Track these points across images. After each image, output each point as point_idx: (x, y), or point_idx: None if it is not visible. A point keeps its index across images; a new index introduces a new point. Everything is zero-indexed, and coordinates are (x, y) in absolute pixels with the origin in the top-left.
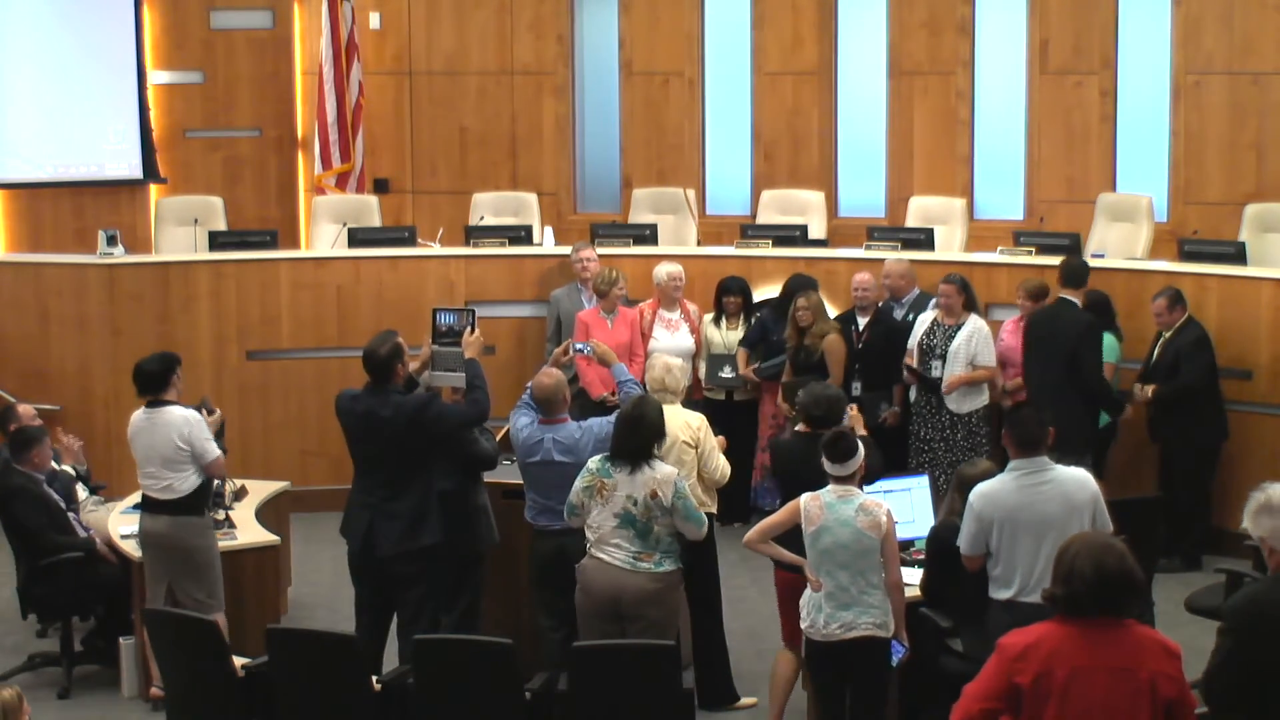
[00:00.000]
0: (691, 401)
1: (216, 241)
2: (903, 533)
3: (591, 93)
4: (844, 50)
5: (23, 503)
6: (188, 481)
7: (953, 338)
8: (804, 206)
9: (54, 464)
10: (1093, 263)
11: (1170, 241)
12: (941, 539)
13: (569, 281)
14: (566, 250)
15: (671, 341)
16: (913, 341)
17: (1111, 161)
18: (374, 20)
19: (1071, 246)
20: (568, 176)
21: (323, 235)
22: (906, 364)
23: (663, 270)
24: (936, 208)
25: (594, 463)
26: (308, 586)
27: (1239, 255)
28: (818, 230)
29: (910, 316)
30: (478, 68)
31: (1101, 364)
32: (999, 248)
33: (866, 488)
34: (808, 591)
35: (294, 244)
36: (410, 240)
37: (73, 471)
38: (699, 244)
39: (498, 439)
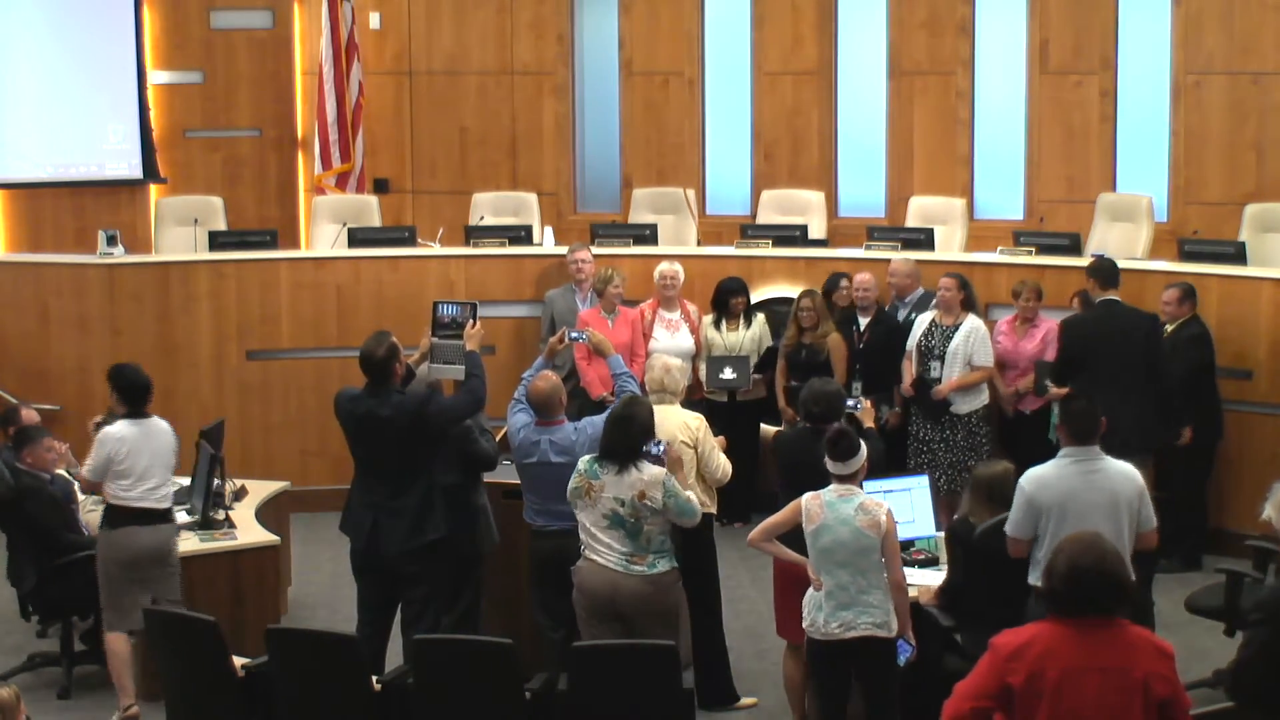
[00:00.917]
0: (692, 402)
1: (216, 241)
2: (903, 533)
3: (591, 93)
4: (844, 50)
5: (37, 502)
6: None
7: (951, 338)
8: (804, 206)
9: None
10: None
11: (1170, 241)
12: (961, 535)
13: (565, 282)
14: (566, 250)
15: (672, 342)
16: (911, 343)
17: (1111, 161)
18: (374, 20)
19: (1071, 246)
20: (568, 176)
21: (323, 235)
22: (904, 388)
23: (657, 269)
24: (936, 208)
25: (583, 463)
26: (308, 586)
27: (1239, 255)
28: (818, 230)
29: (913, 316)
30: (478, 68)
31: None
32: (999, 248)
33: (866, 481)
34: (810, 591)
35: (294, 244)
36: (410, 240)
37: (68, 473)
38: (699, 244)
39: (497, 439)
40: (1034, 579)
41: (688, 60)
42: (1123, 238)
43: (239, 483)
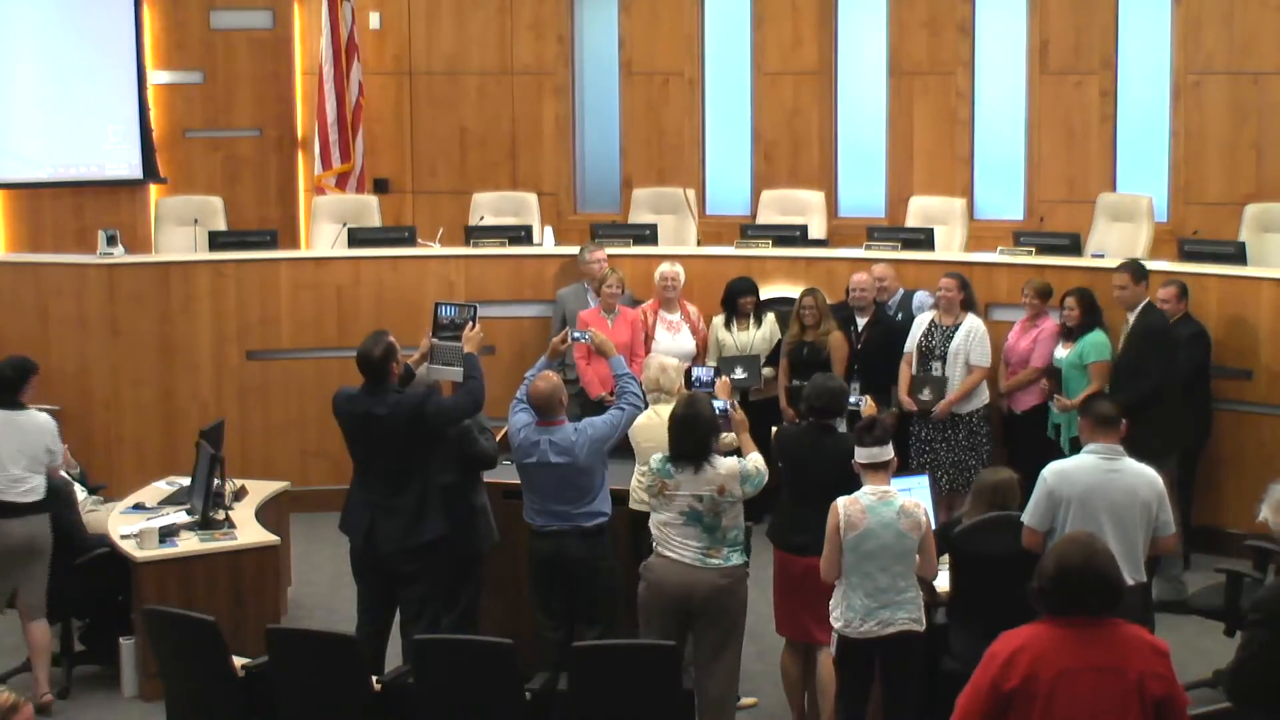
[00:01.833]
0: None
1: (216, 241)
2: None
3: (591, 93)
4: (844, 50)
5: (59, 502)
6: (44, 483)
7: (951, 337)
8: (804, 206)
9: None
10: (1092, 263)
11: (1170, 241)
12: (942, 534)
13: (574, 281)
14: (566, 250)
15: (673, 343)
16: (910, 344)
17: (1111, 161)
18: (374, 20)
19: (1071, 246)
20: (568, 176)
21: (323, 235)
22: (905, 403)
23: (657, 270)
24: (936, 208)
25: (655, 461)
26: (308, 586)
27: (1239, 255)
28: (818, 230)
29: (899, 315)
30: (478, 68)
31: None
32: (999, 248)
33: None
34: (839, 591)
35: (294, 244)
36: (410, 240)
37: (67, 474)
38: (699, 244)
39: (498, 439)
40: None
41: (688, 60)
42: (1123, 238)
43: (239, 483)
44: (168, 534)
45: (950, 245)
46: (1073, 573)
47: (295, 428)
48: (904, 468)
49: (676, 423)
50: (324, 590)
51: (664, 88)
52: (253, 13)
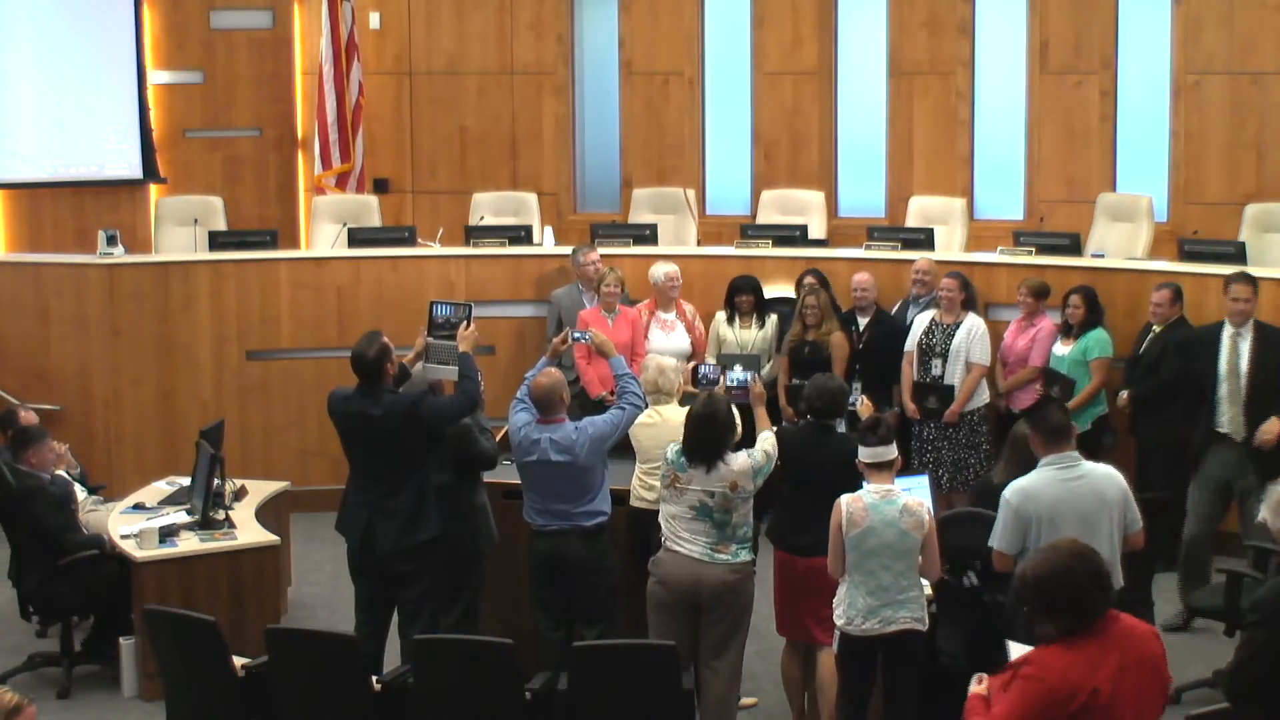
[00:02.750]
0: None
1: (216, 241)
2: None
3: (591, 93)
4: (844, 50)
5: (40, 503)
6: None
7: (952, 336)
8: (804, 206)
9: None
10: (1093, 263)
11: (1170, 241)
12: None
13: (570, 282)
14: (567, 250)
15: (667, 342)
16: (911, 343)
17: (1111, 161)
18: (374, 20)
19: (1071, 246)
20: (568, 176)
21: (323, 235)
22: (909, 411)
23: (659, 270)
24: (936, 208)
25: (671, 452)
26: (308, 586)
27: (1239, 255)
28: (818, 230)
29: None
30: (478, 68)
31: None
32: (999, 248)
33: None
34: (842, 588)
35: (294, 244)
36: (410, 240)
37: (67, 474)
38: (699, 244)
39: (498, 439)
40: None
41: (688, 60)
42: (1123, 238)
43: (239, 483)
44: (168, 534)
45: (950, 245)
46: (1052, 578)
47: (295, 428)
48: (905, 467)
49: (693, 421)
50: (324, 590)
51: (664, 88)
52: (253, 13)
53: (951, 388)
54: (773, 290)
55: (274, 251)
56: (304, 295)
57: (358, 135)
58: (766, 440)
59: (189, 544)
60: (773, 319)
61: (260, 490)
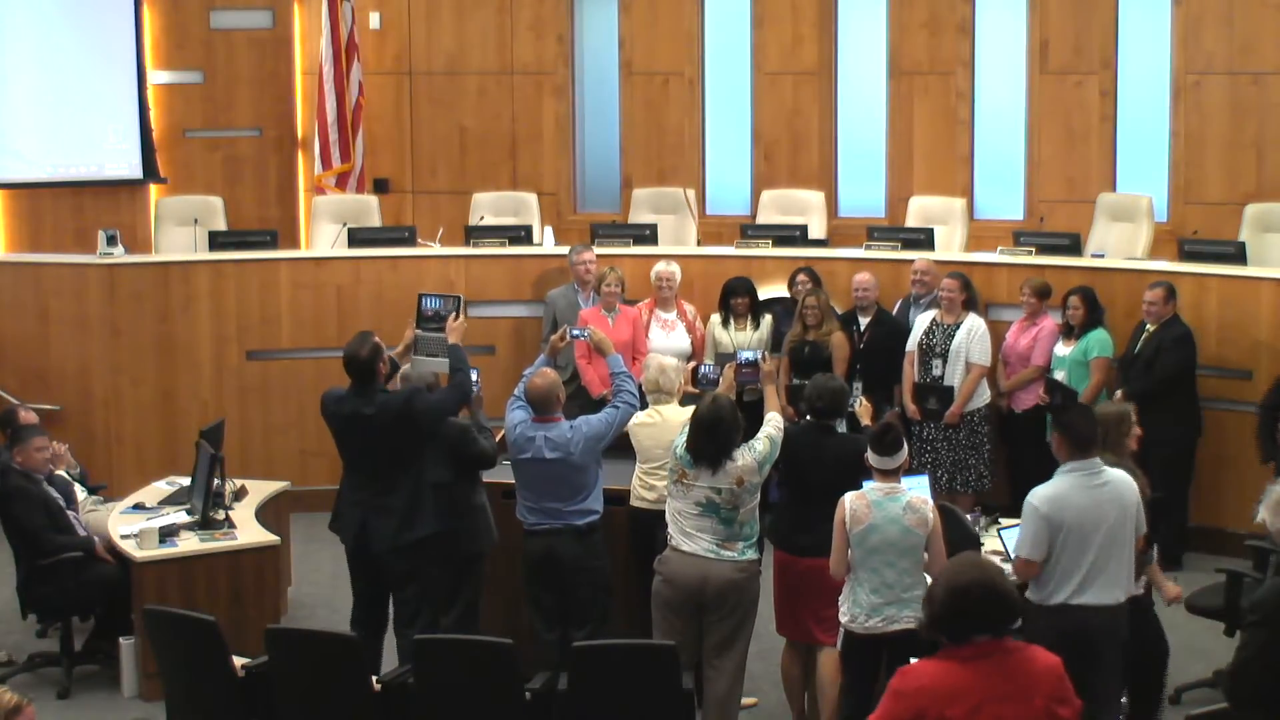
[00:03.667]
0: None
1: (216, 241)
2: None
3: (591, 93)
4: (844, 50)
5: (21, 503)
6: None
7: (953, 336)
8: (804, 206)
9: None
10: (1093, 263)
11: (1170, 241)
12: None
13: (566, 282)
14: (566, 250)
15: (667, 342)
16: (912, 343)
17: (1111, 161)
18: (374, 20)
19: (1071, 246)
20: (568, 176)
21: (323, 235)
22: (910, 412)
23: (654, 270)
24: (936, 208)
25: (679, 448)
26: (308, 586)
27: (1239, 255)
28: (818, 230)
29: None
30: (478, 68)
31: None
32: (999, 248)
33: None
34: (847, 586)
35: (294, 244)
36: (410, 240)
37: (67, 474)
38: (699, 244)
39: (497, 439)
40: (1043, 598)
41: (688, 60)
42: (1123, 238)
43: (239, 483)
44: (168, 534)
45: (950, 245)
46: (967, 592)
47: (295, 428)
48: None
49: (697, 423)
50: (324, 590)
51: (664, 88)
52: (253, 13)
53: (951, 389)
54: (773, 290)
55: (274, 251)
56: (304, 295)
57: (358, 135)
58: (772, 421)
59: (189, 544)
60: (767, 319)
61: (260, 490)
